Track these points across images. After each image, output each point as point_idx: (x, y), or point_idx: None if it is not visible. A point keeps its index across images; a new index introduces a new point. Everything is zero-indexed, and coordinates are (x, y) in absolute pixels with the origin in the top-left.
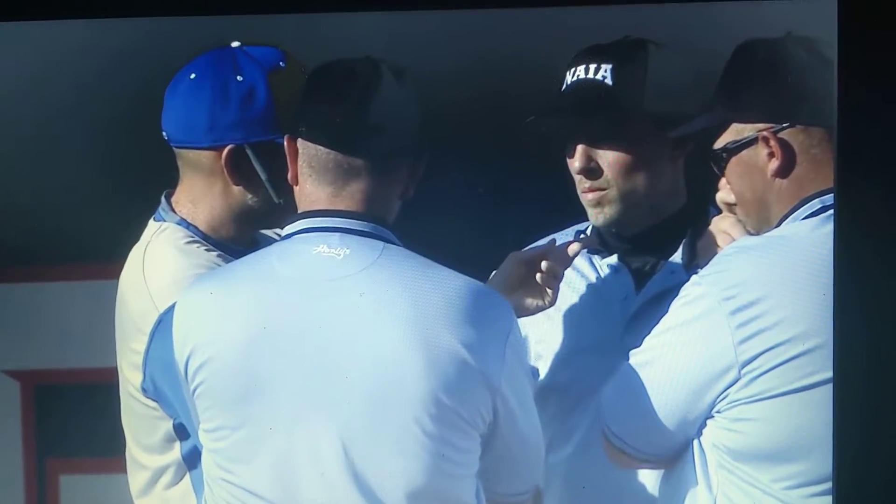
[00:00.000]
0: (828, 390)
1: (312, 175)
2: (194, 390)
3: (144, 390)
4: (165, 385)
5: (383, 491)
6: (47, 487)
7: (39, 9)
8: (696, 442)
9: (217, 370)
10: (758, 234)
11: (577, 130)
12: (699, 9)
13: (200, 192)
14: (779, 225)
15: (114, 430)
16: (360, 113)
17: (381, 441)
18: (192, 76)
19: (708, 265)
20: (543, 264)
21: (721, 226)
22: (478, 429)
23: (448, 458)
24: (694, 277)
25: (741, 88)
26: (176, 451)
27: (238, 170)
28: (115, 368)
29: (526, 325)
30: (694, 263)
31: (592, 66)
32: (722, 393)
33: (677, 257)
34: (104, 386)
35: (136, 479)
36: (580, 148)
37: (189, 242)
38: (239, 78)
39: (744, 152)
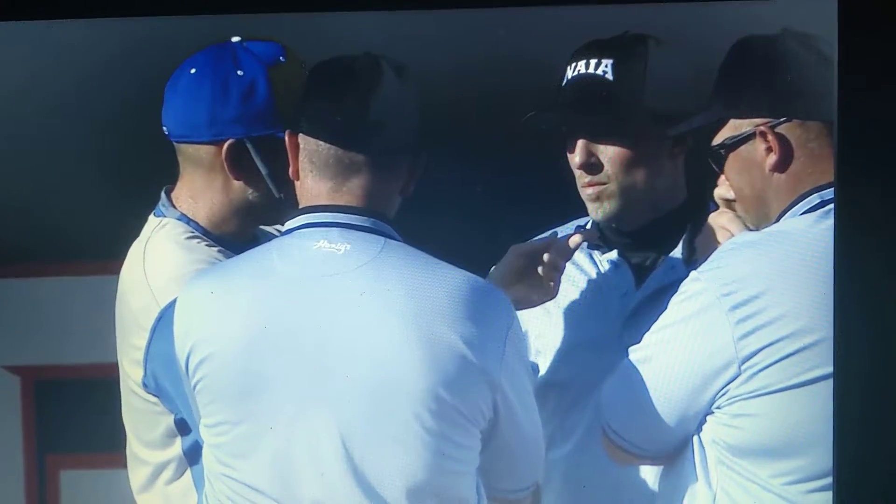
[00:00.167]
0: (827, 386)
1: (313, 170)
2: (195, 386)
3: (145, 386)
4: (166, 380)
5: (383, 487)
6: (48, 483)
7: (39, 9)
8: (695, 438)
9: (218, 366)
10: (757, 229)
11: (578, 125)
12: (700, 8)
13: (201, 188)
14: (777, 220)
15: (114, 426)
16: (361, 109)
17: (381, 437)
18: (193, 71)
19: (707, 261)
20: (545, 256)
21: (719, 221)
22: (478, 425)
23: (448, 455)
24: (693, 273)
25: (738, 85)
26: (177, 447)
27: (238, 164)
28: (116, 364)
29: (525, 320)
30: (693, 259)
31: (593, 62)
32: (722, 389)
33: (677, 253)
34: (105, 382)
35: (136, 474)
36: (580, 143)
37: (189, 238)
38: (239, 73)
39: (742, 148)
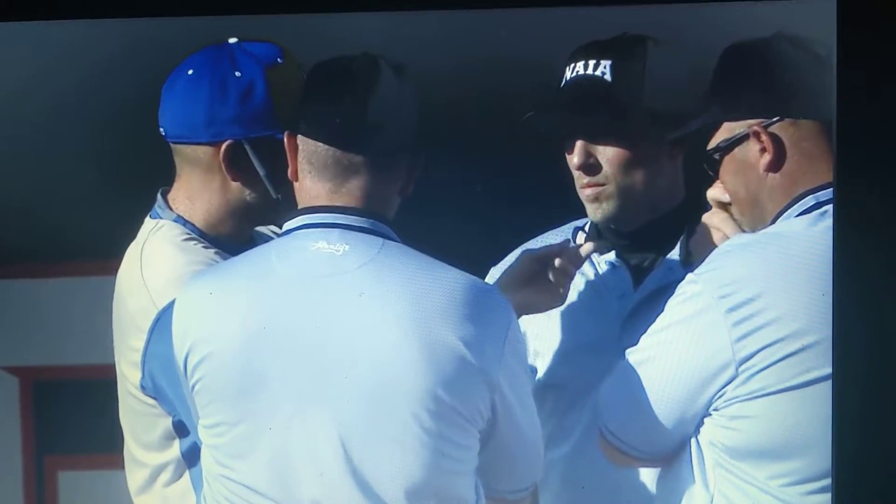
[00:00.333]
0: (825, 387)
1: (312, 171)
2: (193, 386)
3: (143, 388)
4: (164, 382)
5: (381, 487)
6: (46, 484)
7: (39, 9)
8: (693, 440)
9: (216, 366)
10: (753, 232)
11: (576, 126)
12: (700, 8)
13: (198, 189)
14: (773, 222)
15: (113, 427)
16: (360, 110)
17: (380, 437)
18: (190, 72)
19: (703, 263)
20: (556, 262)
21: (712, 221)
22: (476, 425)
23: (447, 455)
24: (689, 275)
25: (732, 87)
26: (175, 449)
27: (236, 165)
28: (114, 365)
29: (524, 321)
30: (690, 261)
31: (591, 62)
32: (719, 391)
33: (675, 254)
34: (103, 383)
35: (134, 476)
36: (579, 144)
37: (186, 240)
38: (237, 74)
39: (736, 150)
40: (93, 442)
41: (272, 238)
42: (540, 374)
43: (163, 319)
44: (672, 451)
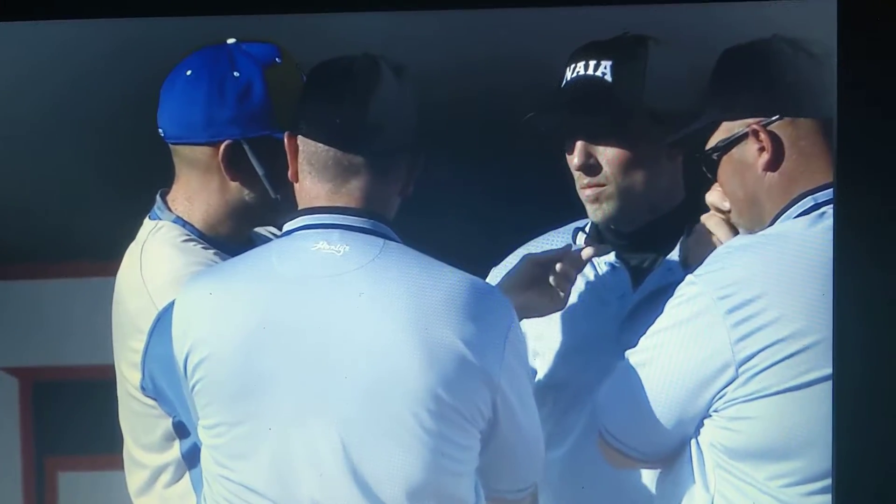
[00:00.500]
0: (825, 388)
1: (312, 172)
2: (193, 387)
3: (143, 389)
4: (164, 383)
5: (381, 488)
6: (46, 485)
7: (37, 9)
8: (693, 441)
9: (216, 367)
10: (751, 233)
11: (576, 127)
12: (700, 8)
13: (197, 189)
14: (772, 223)
15: (113, 428)
16: (360, 110)
17: (380, 438)
18: (189, 73)
19: (703, 264)
20: (558, 266)
21: (708, 224)
22: (477, 426)
23: (447, 455)
24: (689, 277)
25: (730, 88)
26: (175, 450)
27: (235, 165)
28: (114, 366)
29: (524, 321)
30: (690, 261)
31: (592, 63)
32: (719, 392)
33: (675, 255)
34: (103, 383)
35: (134, 478)
36: (579, 144)
37: (186, 241)
38: (235, 74)
39: (735, 150)
40: (93, 443)
41: (271, 239)
42: (540, 375)
43: (163, 320)
44: (672, 453)
